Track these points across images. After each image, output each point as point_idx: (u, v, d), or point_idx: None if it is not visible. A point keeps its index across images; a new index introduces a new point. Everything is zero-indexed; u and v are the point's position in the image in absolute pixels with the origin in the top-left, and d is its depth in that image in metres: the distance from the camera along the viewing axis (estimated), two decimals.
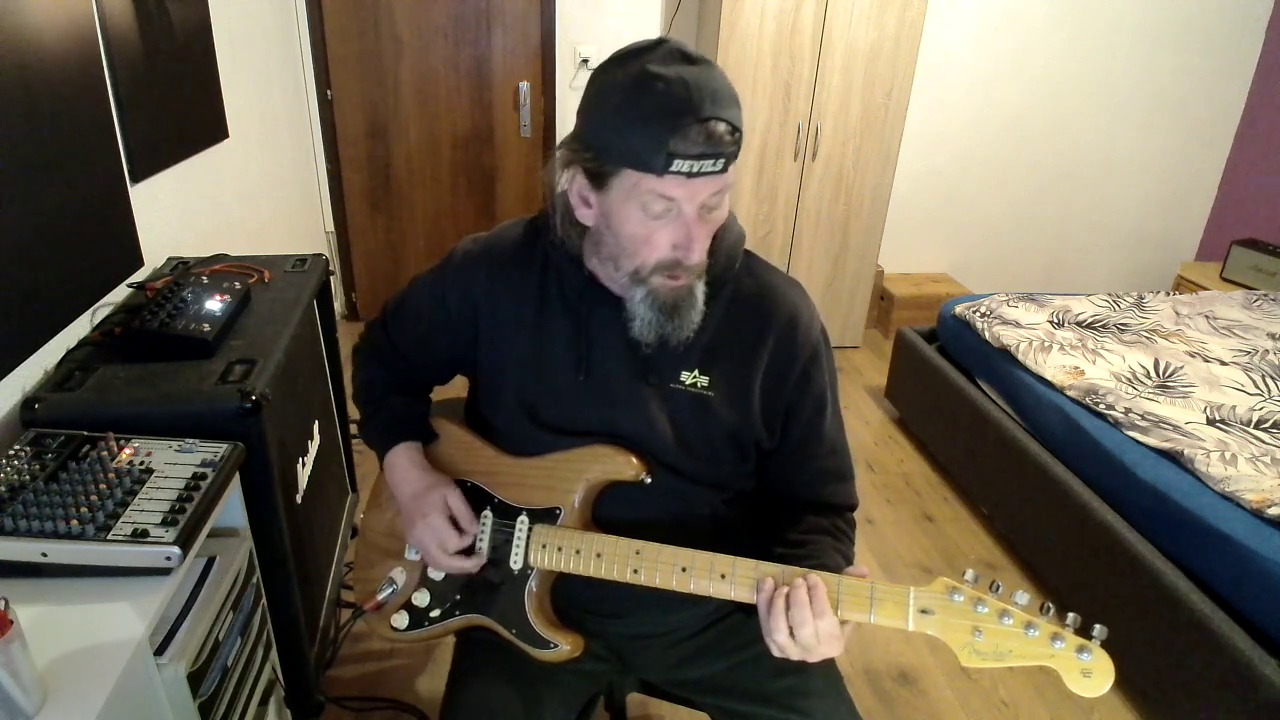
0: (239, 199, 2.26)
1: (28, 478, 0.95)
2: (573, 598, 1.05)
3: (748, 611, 0.92)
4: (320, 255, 1.74)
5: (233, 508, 1.15)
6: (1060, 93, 3.74)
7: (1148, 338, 2.55)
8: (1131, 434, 1.99)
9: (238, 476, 1.10)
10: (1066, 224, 4.05)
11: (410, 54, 3.30)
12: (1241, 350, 2.48)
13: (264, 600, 1.25)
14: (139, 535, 0.90)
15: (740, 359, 0.99)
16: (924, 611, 0.82)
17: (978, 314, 2.66)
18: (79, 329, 1.33)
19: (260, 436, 1.16)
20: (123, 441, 1.05)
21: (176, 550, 0.89)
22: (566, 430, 1.01)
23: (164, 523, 0.92)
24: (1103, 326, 2.61)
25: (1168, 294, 2.94)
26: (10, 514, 0.89)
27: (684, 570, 0.91)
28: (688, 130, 0.80)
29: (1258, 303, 2.90)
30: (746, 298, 1.01)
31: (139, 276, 1.55)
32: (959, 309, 2.75)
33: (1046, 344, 2.44)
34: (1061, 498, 2.04)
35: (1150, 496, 1.84)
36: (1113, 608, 1.84)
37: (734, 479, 1.06)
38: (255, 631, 1.19)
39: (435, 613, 1.07)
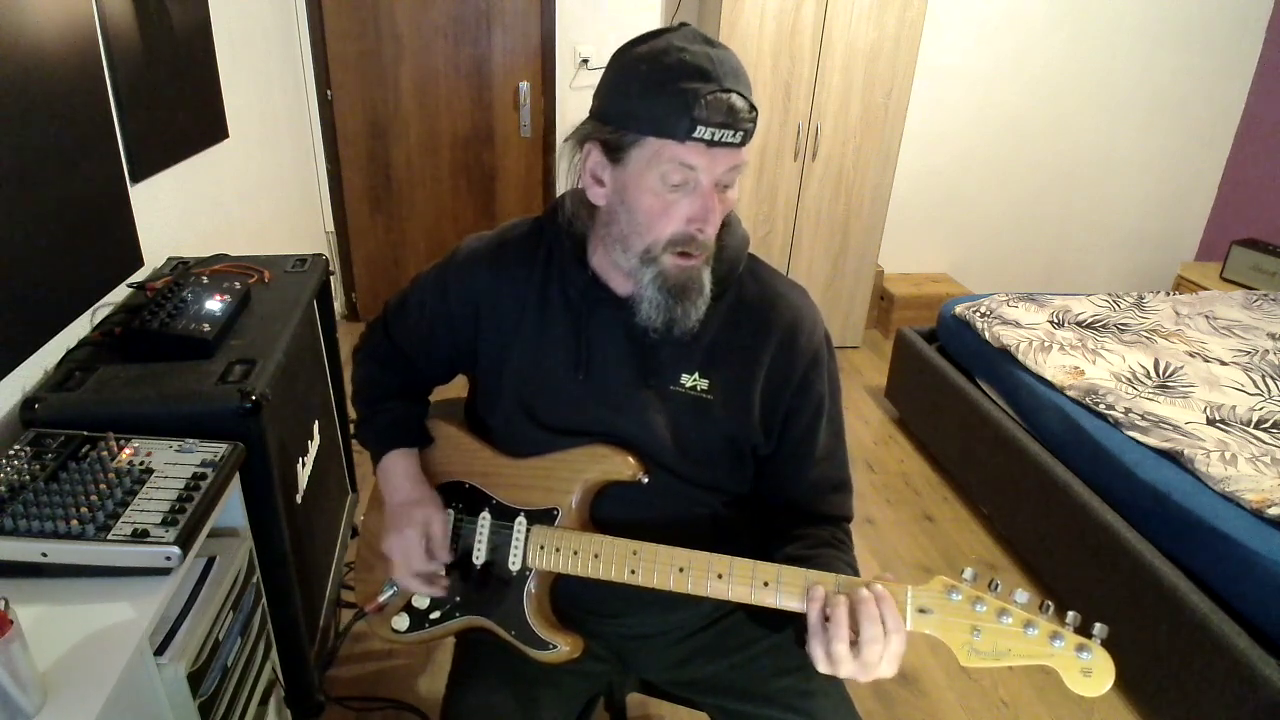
0: (239, 199, 2.26)
1: (28, 478, 0.95)
2: (572, 598, 1.05)
3: (747, 611, 0.91)
4: (320, 255, 1.74)
5: (233, 508, 1.15)
6: (1060, 93, 3.74)
7: (1148, 338, 2.55)
8: (1131, 434, 1.99)
9: (238, 476, 1.10)
10: (1066, 224, 4.05)
11: (410, 54, 3.30)
12: (1241, 350, 2.48)
13: (264, 600, 1.25)
14: (139, 535, 0.90)
15: (741, 363, 0.99)
16: (922, 611, 0.82)
17: (978, 314, 2.66)
18: (79, 329, 1.33)
19: (260, 436, 1.16)
20: (123, 441, 1.05)
21: (176, 550, 0.89)
22: (565, 431, 1.01)
23: (164, 523, 0.92)
24: (1103, 326, 2.61)
25: (1168, 294, 2.94)
26: (10, 514, 0.89)
27: (681, 570, 0.91)
28: (711, 99, 0.82)
29: (1258, 303, 2.90)
30: (750, 302, 1.01)
31: (139, 276, 1.55)
32: (959, 309, 2.75)
33: (1046, 344, 2.44)
34: (1061, 498, 2.04)
35: (1150, 496, 1.84)
36: (1113, 608, 1.84)
37: (731, 483, 1.05)
38: (255, 631, 1.19)
39: (435, 614, 1.07)
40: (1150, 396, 2.16)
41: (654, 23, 3.36)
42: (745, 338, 0.99)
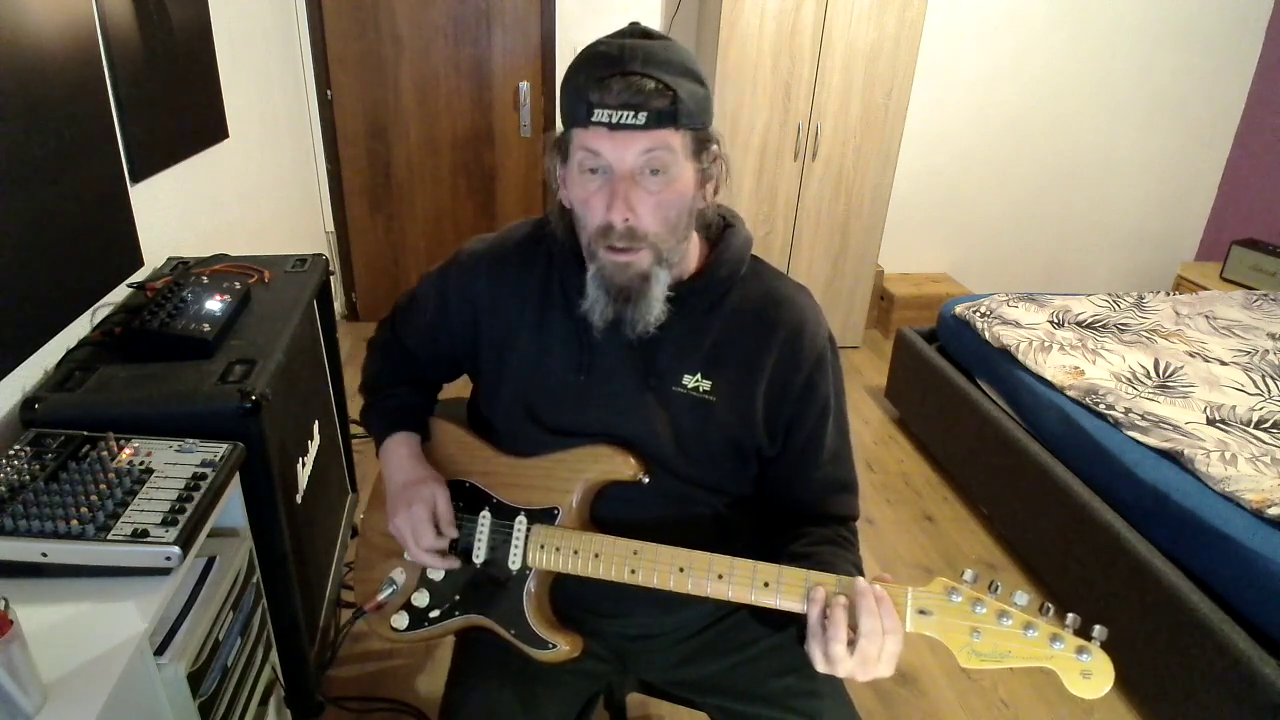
0: (239, 199, 2.26)
1: (28, 478, 0.95)
2: (573, 598, 1.05)
3: (750, 610, 0.91)
4: (320, 255, 1.74)
5: (233, 508, 1.15)
6: (1060, 93, 3.74)
7: (1148, 338, 2.55)
8: (1131, 434, 1.99)
9: (238, 476, 1.10)
10: (1066, 224, 4.05)
11: (410, 54, 3.30)
12: (1241, 350, 2.48)
13: (264, 600, 1.25)
14: (139, 535, 0.90)
15: (744, 365, 0.99)
16: (922, 612, 0.82)
17: (978, 314, 2.66)
18: (79, 329, 1.33)
19: (260, 436, 1.16)
20: (123, 441, 1.05)
21: (176, 550, 0.89)
22: (565, 431, 1.01)
23: (164, 523, 0.92)
24: (1103, 326, 2.61)
25: (1168, 294, 2.94)
26: (10, 514, 0.89)
27: (681, 571, 0.91)
28: (609, 82, 0.83)
29: (1258, 303, 2.90)
30: (752, 303, 1.00)
31: (139, 276, 1.55)
32: (959, 309, 2.75)
33: (1046, 344, 2.44)
34: (1061, 498, 2.04)
35: (1150, 496, 1.84)
36: (1113, 608, 1.84)
37: (733, 484, 1.05)
38: (255, 631, 1.19)
39: (435, 613, 1.07)
40: (1150, 396, 2.16)
41: (654, 23, 3.36)
42: (748, 339, 0.99)
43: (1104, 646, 0.77)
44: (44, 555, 0.88)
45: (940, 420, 2.70)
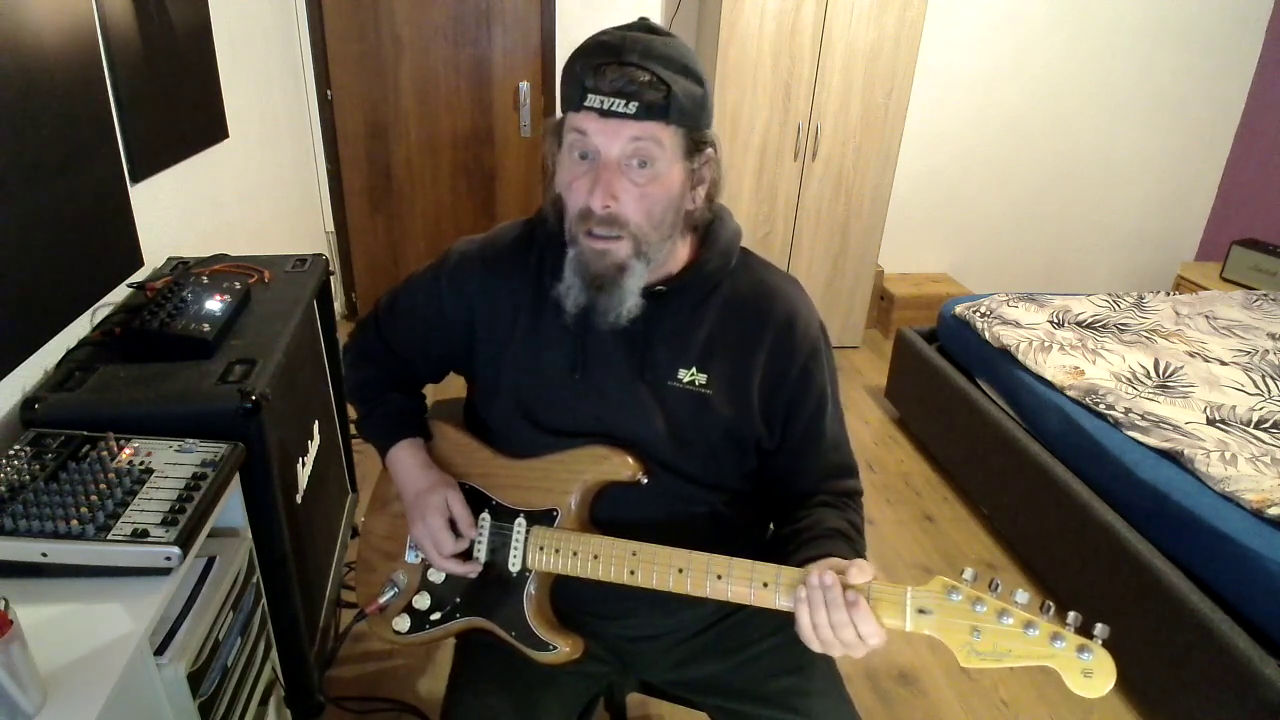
0: (239, 199, 2.26)
1: (28, 478, 0.95)
2: (573, 599, 1.05)
3: (752, 609, 0.91)
4: (320, 255, 1.74)
5: (233, 508, 1.15)
6: (1060, 93, 3.74)
7: (1148, 338, 2.55)
8: (1131, 434, 1.99)
9: (238, 476, 1.10)
10: (1066, 224, 4.05)
11: (410, 54, 3.30)
12: (1241, 350, 2.48)
13: (264, 600, 1.25)
14: (139, 535, 0.90)
15: (738, 356, 0.99)
16: (922, 611, 0.82)
17: (978, 314, 2.66)
18: (79, 329, 1.33)
19: (260, 436, 1.16)
20: (123, 441, 1.05)
21: (176, 550, 0.89)
22: (563, 430, 1.01)
23: (164, 523, 0.92)
24: (1103, 326, 2.61)
25: (1168, 294, 2.94)
26: (10, 514, 0.89)
27: (680, 571, 0.91)
28: (605, 69, 0.85)
29: (1258, 303, 2.90)
30: (743, 295, 1.01)
31: (139, 276, 1.55)
32: (959, 309, 2.75)
33: (1046, 344, 2.44)
34: (1061, 498, 2.04)
35: (1150, 496, 1.84)
36: (1113, 608, 1.84)
37: (732, 479, 1.05)
38: (255, 631, 1.19)
39: (436, 615, 1.07)
40: (1150, 396, 2.16)
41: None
42: (741, 331, 1.00)
43: (1105, 645, 0.77)
44: (44, 555, 0.88)
45: (940, 420, 2.70)
